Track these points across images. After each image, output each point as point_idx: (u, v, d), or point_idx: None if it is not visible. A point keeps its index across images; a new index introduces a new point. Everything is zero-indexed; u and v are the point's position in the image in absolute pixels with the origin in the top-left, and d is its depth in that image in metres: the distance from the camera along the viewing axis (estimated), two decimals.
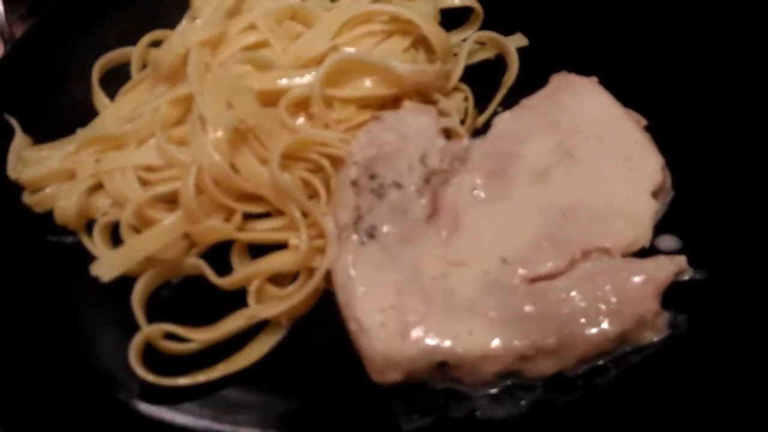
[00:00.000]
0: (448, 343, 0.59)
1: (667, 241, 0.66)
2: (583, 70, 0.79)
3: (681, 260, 0.62)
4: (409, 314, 0.60)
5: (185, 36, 0.78)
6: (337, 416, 0.61)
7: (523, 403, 0.58)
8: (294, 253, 0.67)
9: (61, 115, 0.85)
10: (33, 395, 0.63)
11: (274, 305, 0.65)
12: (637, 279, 0.60)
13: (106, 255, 0.70)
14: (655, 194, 0.67)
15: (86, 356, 0.65)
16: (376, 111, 0.74)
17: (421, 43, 0.82)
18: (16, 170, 0.77)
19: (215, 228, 0.68)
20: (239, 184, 0.68)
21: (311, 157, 0.71)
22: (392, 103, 0.76)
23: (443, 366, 0.59)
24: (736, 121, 0.75)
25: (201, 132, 0.69)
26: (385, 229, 0.65)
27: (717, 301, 0.61)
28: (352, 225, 0.65)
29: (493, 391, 0.59)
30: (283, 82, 0.72)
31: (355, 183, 0.66)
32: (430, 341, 0.59)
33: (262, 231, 0.70)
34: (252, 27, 0.80)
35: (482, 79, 0.85)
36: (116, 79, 0.87)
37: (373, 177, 0.66)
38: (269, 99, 0.73)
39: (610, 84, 0.78)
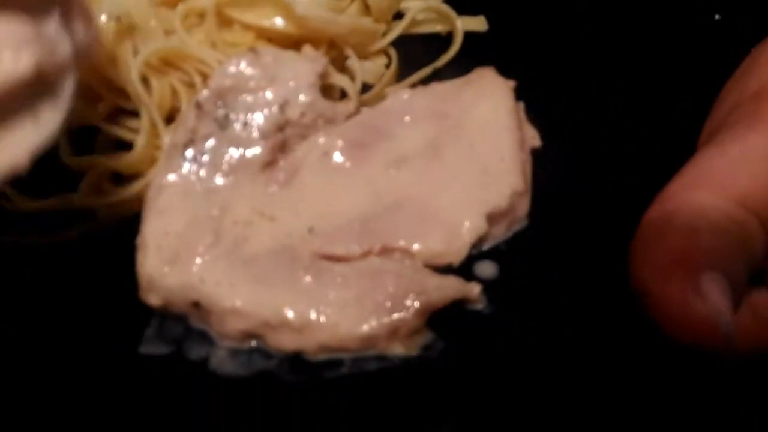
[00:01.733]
0: (206, 287, 0.58)
1: (485, 268, 0.61)
2: (524, 73, 0.74)
3: (471, 289, 0.57)
4: (187, 247, 0.60)
5: None
6: (96, 317, 0.62)
7: (253, 367, 0.57)
8: (130, 156, 0.68)
9: None
10: None
11: (92, 197, 0.67)
12: (412, 289, 0.56)
13: None
14: (492, 218, 0.62)
15: None
16: (274, 46, 0.72)
17: None
18: None
19: (79, 111, 0.70)
20: (110, 74, 0.69)
21: (188, 71, 0.70)
22: (297, 44, 0.73)
23: (197, 306, 0.59)
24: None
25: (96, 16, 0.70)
26: (213, 160, 0.64)
27: (484, 344, 0.56)
28: (182, 145, 0.64)
29: (235, 346, 0.58)
30: None
31: (199, 106, 0.65)
32: (191, 279, 0.58)
33: (123, 127, 0.71)
34: None
35: (420, 52, 0.81)
36: None
37: (221, 106, 0.65)
38: (176, 2, 0.72)
39: (551, 95, 0.73)
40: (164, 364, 0.58)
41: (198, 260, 0.59)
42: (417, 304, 0.56)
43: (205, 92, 0.65)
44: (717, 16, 0.73)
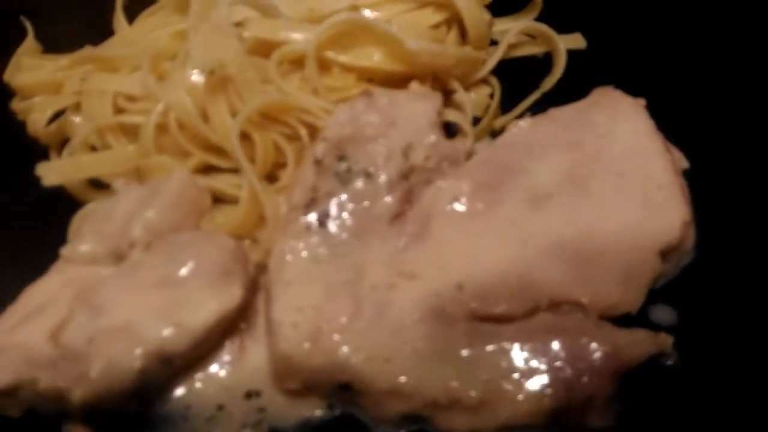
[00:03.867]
0: (358, 365, 0.50)
1: (662, 313, 0.54)
2: (640, 90, 0.67)
3: (664, 341, 0.50)
4: (329, 321, 0.52)
5: None
6: None
7: None
8: (233, 215, 0.61)
9: (80, 30, 0.81)
10: None
11: None
12: (600, 350, 0.49)
13: (56, 161, 0.68)
14: (665, 254, 0.55)
15: None
16: (378, 87, 0.66)
17: (456, 22, 0.72)
18: (11, 74, 0.75)
19: (164, 165, 0.63)
20: (204, 132, 0.62)
21: (290, 122, 0.63)
22: (400, 82, 0.67)
23: (347, 389, 0.51)
24: None
25: (180, 69, 0.63)
26: (338, 219, 0.57)
27: (686, 404, 0.49)
28: (303, 206, 0.57)
29: (394, 431, 0.51)
30: (282, 34, 0.65)
31: (318, 161, 0.58)
32: (339, 358, 0.51)
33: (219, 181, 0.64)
34: None
35: (521, 77, 0.74)
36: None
37: (341, 159, 0.58)
38: (266, 50, 0.66)
39: (671, 113, 0.66)
40: None
41: (342, 335, 0.52)
42: (610, 365, 0.48)
43: (322, 145, 0.58)
44: None
